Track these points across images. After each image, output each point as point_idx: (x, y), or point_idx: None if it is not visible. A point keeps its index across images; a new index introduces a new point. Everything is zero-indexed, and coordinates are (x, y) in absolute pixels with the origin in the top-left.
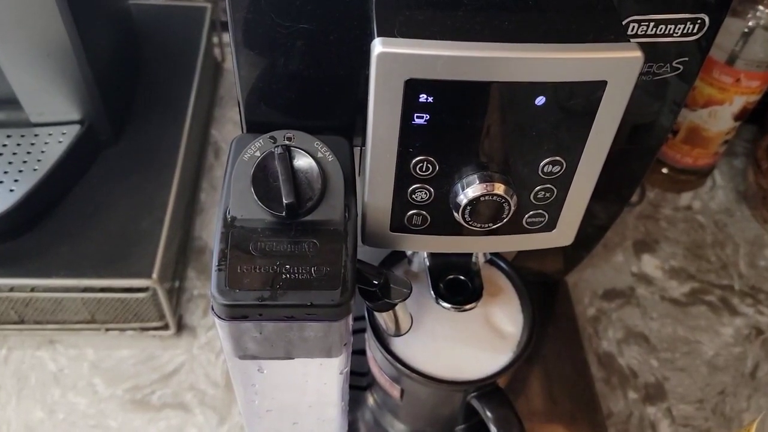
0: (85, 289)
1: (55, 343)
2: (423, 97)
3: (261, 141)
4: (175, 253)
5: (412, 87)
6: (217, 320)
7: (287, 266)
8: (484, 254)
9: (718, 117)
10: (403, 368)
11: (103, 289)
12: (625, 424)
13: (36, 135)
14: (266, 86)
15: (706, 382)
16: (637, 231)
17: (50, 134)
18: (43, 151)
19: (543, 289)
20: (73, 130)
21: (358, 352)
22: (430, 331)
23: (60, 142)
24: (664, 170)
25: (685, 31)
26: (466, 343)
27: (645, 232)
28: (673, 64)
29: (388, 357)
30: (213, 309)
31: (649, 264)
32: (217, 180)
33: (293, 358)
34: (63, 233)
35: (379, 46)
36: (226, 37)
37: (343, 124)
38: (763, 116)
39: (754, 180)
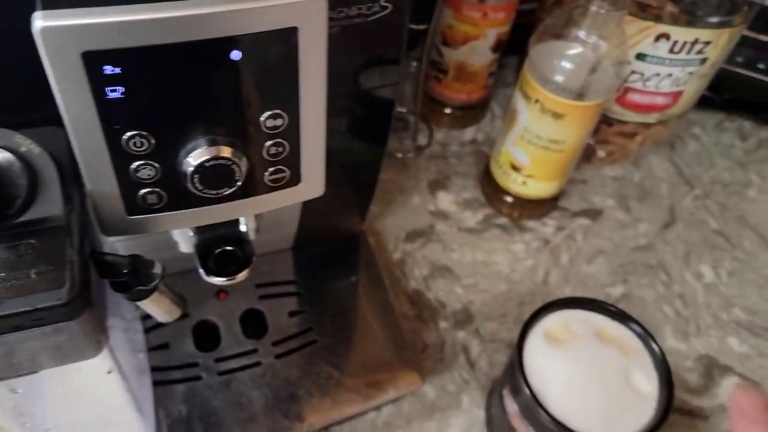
0: None
1: None
2: (109, 69)
3: None
4: None
5: (93, 60)
6: None
7: (2, 275)
8: (254, 219)
9: (477, 51)
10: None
11: None
12: (440, 353)
13: None
14: None
15: (506, 297)
16: (430, 171)
17: None
18: None
19: (345, 242)
20: None
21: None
22: (582, 394)
23: None
24: (447, 110)
25: None
26: (610, 402)
27: (437, 171)
28: (381, 3)
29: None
30: None
31: (445, 200)
32: None
33: (42, 369)
34: None
35: (39, 21)
36: None
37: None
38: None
39: None
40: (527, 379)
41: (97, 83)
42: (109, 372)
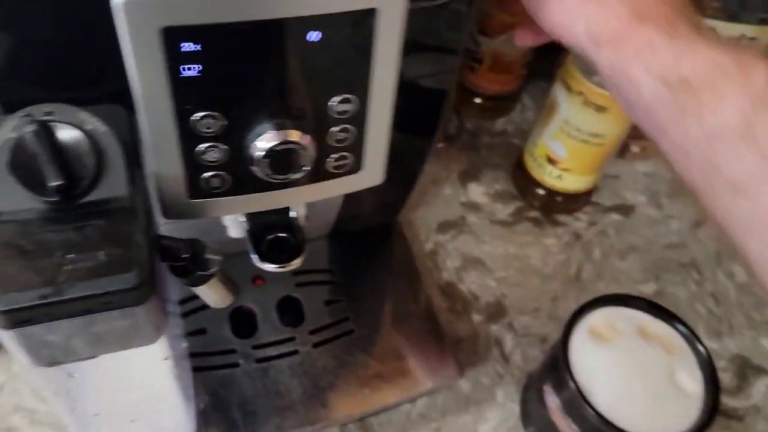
0: None
1: None
2: (187, 46)
3: (15, 120)
4: None
5: (172, 36)
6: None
7: (70, 256)
8: (304, 206)
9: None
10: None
11: None
12: (474, 346)
13: None
14: (13, 59)
15: (539, 291)
16: (461, 162)
17: None
18: None
19: (379, 231)
20: None
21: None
22: (627, 391)
23: None
24: (477, 100)
25: None
26: (655, 400)
27: (468, 162)
28: None
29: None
30: None
31: (476, 191)
32: None
33: (102, 354)
34: None
35: None
36: None
37: (117, 89)
38: None
39: None
40: (573, 374)
41: (174, 60)
42: (166, 359)
